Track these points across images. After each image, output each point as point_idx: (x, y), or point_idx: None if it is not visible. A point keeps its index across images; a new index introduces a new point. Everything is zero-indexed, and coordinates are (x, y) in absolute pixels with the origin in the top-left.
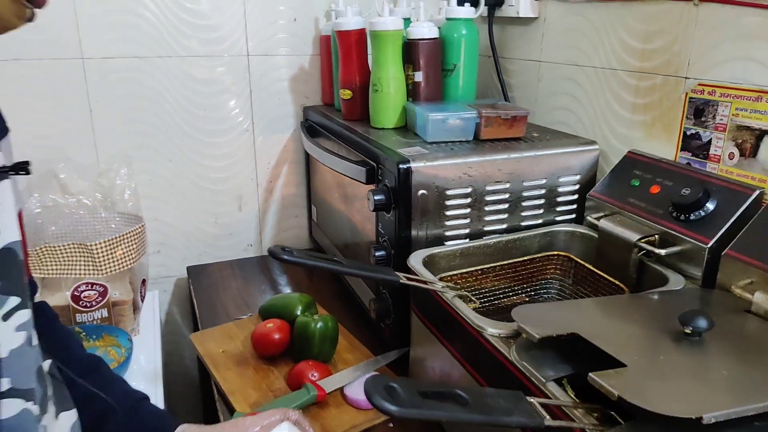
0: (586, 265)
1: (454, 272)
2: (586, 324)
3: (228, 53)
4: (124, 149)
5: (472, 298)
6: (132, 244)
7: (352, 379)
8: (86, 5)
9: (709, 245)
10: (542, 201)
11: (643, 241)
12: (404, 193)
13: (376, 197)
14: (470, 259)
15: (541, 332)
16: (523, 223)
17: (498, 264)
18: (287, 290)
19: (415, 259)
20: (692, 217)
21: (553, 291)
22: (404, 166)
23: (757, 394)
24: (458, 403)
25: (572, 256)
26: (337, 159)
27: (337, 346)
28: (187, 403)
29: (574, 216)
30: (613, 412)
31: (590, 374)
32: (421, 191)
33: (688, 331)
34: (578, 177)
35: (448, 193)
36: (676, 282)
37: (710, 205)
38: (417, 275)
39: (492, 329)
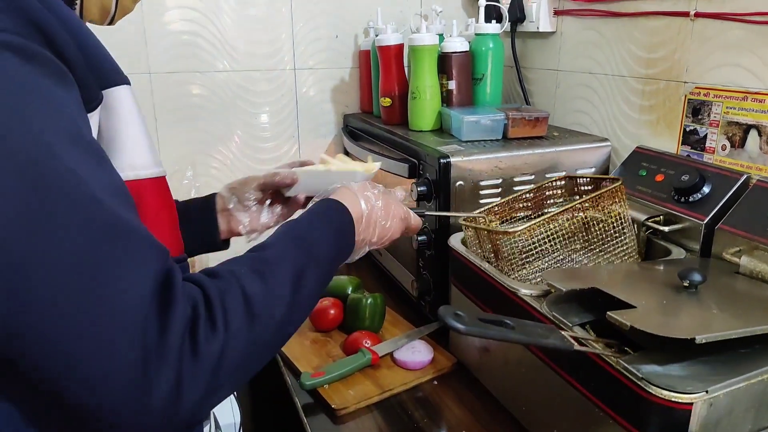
0: None
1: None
2: (603, 281)
3: (277, 67)
4: (186, 156)
5: None
6: None
7: (399, 345)
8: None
9: (705, 221)
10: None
11: (650, 221)
12: (444, 183)
13: (419, 188)
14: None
15: (567, 286)
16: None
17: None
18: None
19: (455, 240)
20: (691, 199)
21: None
22: (444, 161)
23: (740, 324)
24: (508, 327)
25: None
26: (381, 157)
27: (384, 321)
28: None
29: None
30: (626, 348)
31: (608, 312)
32: (458, 182)
33: (686, 284)
34: (593, 170)
35: (481, 183)
36: (678, 253)
37: (706, 189)
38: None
39: (525, 290)
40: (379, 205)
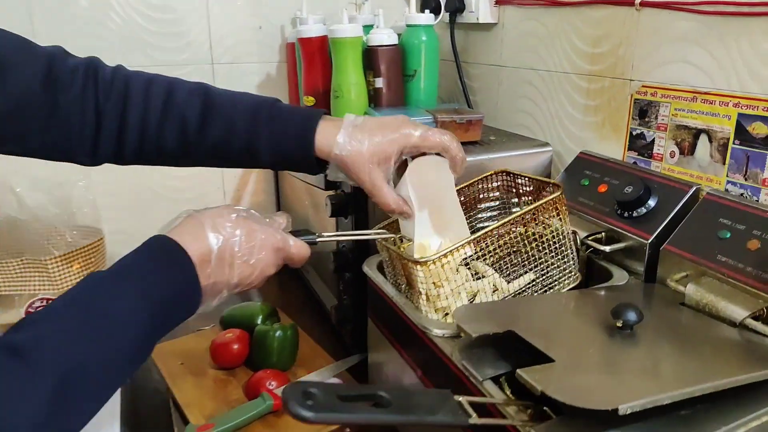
0: None
1: None
2: (526, 321)
3: (191, 62)
4: None
5: None
6: (90, 258)
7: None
8: None
9: (649, 240)
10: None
11: (590, 239)
12: (360, 198)
13: (332, 202)
14: None
15: (478, 330)
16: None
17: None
18: (253, 298)
19: (370, 265)
20: (635, 213)
21: None
22: None
23: (678, 382)
24: (380, 404)
25: None
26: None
27: (299, 354)
28: (157, 417)
29: None
30: (546, 408)
31: (518, 371)
32: None
33: (619, 324)
34: None
35: None
36: (619, 277)
37: (651, 202)
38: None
39: (437, 330)
40: (238, 235)
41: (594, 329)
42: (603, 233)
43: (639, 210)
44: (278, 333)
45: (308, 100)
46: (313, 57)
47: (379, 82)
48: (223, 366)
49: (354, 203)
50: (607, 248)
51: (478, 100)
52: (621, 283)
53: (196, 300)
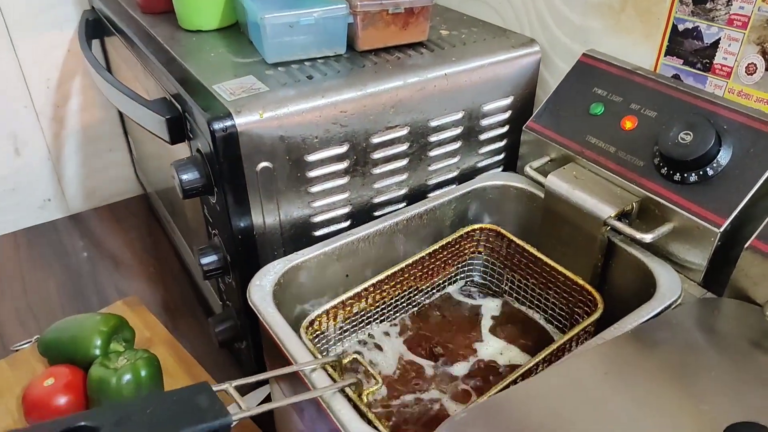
0: (526, 246)
1: (335, 302)
2: None
3: None
4: None
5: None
6: None
7: None
8: None
9: (722, 228)
10: (458, 145)
11: (616, 216)
12: (230, 169)
13: (183, 176)
14: (356, 259)
15: None
16: (432, 181)
17: (397, 269)
18: (108, 275)
19: (259, 291)
20: (693, 177)
21: (476, 293)
22: (221, 126)
23: None
24: None
25: (502, 231)
26: (124, 97)
27: (167, 386)
28: None
29: (502, 165)
30: None
31: None
32: (261, 164)
33: None
34: (510, 100)
35: (310, 158)
36: (669, 287)
37: (723, 158)
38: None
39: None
40: None
41: None
42: (633, 204)
43: (702, 171)
44: (125, 378)
45: None
46: None
47: None
48: None
49: (219, 176)
50: (649, 237)
51: None
52: (671, 298)
53: None
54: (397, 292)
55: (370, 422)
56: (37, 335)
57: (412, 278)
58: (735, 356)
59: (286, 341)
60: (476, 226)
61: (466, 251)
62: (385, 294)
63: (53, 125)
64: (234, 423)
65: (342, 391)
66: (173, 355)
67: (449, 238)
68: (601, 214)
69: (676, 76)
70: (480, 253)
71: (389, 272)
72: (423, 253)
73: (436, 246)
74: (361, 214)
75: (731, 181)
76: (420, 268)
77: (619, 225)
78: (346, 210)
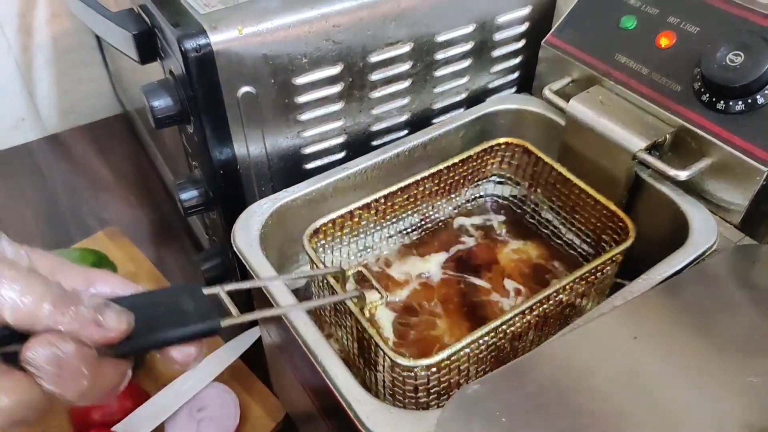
0: (555, 165)
1: (342, 211)
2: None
3: None
4: None
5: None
6: None
7: (173, 409)
8: None
9: None
10: (467, 64)
11: (647, 149)
12: (207, 95)
13: (154, 103)
14: (352, 196)
15: None
16: (437, 105)
17: (411, 181)
18: (87, 202)
19: (245, 236)
20: (740, 106)
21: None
22: (193, 45)
23: None
24: None
25: (530, 147)
26: (85, 6)
27: None
28: None
29: (515, 85)
30: None
31: None
32: (243, 89)
33: None
34: (528, 10)
35: (298, 82)
36: (703, 233)
37: None
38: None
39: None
40: None
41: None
42: (666, 135)
43: (750, 100)
44: None
45: None
46: None
47: None
48: None
49: (194, 102)
50: (684, 174)
51: None
52: (706, 246)
53: None
54: (410, 207)
55: (370, 338)
56: None
57: (427, 193)
58: None
59: (275, 293)
60: (501, 140)
61: (488, 167)
62: (396, 208)
63: (21, 37)
64: (222, 327)
65: (343, 303)
66: None
67: (471, 152)
68: (630, 146)
69: None
70: (504, 170)
71: (402, 184)
72: (441, 166)
73: (456, 159)
74: (358, 144)
75: None
76: (437, 182)
77: (651, 159)
78: (340, 140)
